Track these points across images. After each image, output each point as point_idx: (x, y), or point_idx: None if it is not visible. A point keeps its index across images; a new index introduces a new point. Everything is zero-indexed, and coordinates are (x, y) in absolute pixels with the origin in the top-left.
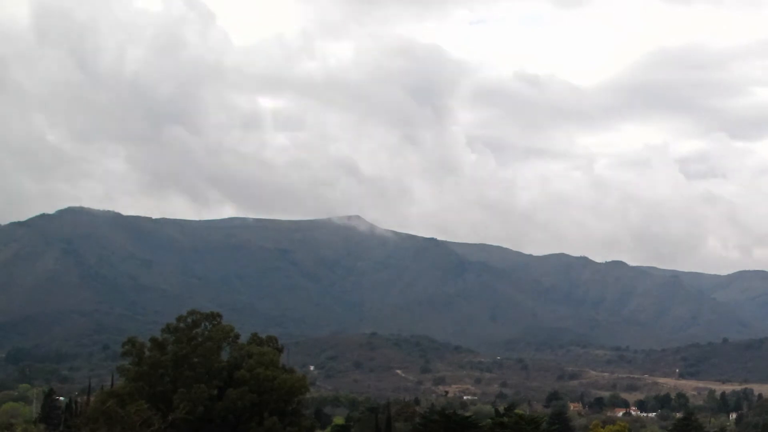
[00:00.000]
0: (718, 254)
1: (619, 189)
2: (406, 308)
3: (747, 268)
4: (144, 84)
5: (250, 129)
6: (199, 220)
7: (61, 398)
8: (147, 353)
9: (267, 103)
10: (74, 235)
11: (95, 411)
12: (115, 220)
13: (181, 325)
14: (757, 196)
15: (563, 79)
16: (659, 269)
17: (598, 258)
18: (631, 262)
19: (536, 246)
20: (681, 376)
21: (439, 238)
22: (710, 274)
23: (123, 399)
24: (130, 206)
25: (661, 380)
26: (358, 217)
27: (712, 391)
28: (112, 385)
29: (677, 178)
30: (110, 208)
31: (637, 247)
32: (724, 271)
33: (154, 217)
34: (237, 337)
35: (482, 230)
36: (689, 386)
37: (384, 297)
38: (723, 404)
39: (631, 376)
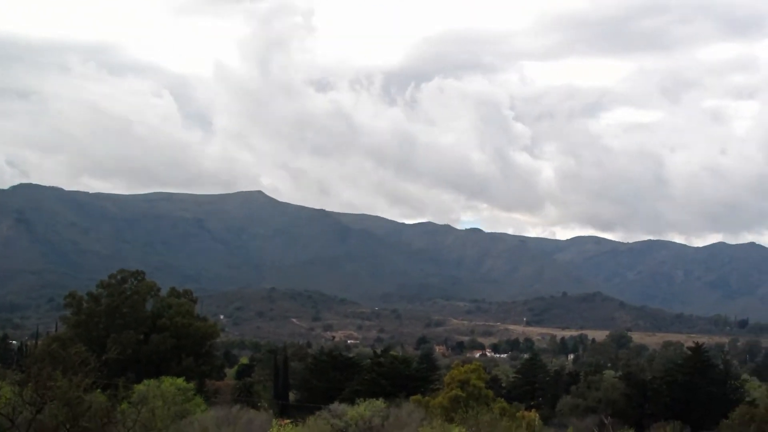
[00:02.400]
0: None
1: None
2: (301, 267)
3: (582, 234)
4: None
5: None
6: (129, 195)
7: (14, 342)
8: (85, 305)
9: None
10: (26, 207)
11: (42, 353)
12: (59, 194)
13: (113, 281)
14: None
15: None
16: (510, 235)
17: (459, 225)
18: (487, 229)
19: (408, 215)
20: (528, 324)
21: (327, 209)
22: (552, 239)
23: (65, 343)
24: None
25: (512, 327)
26: (260, 192)
27: (553, 337)
28: (56, 331)
29: None
30: (56, 185)
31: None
32: (563, 237)
33: (91, 192)
34: (159, 291)
35: (365, 202)
36: (535, 332)
37: (282, 258)
38: (563, 347)
39: (487, 323)
